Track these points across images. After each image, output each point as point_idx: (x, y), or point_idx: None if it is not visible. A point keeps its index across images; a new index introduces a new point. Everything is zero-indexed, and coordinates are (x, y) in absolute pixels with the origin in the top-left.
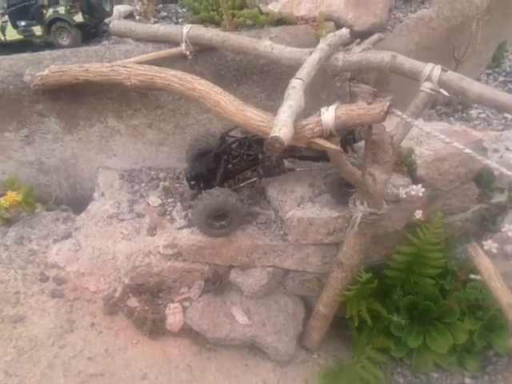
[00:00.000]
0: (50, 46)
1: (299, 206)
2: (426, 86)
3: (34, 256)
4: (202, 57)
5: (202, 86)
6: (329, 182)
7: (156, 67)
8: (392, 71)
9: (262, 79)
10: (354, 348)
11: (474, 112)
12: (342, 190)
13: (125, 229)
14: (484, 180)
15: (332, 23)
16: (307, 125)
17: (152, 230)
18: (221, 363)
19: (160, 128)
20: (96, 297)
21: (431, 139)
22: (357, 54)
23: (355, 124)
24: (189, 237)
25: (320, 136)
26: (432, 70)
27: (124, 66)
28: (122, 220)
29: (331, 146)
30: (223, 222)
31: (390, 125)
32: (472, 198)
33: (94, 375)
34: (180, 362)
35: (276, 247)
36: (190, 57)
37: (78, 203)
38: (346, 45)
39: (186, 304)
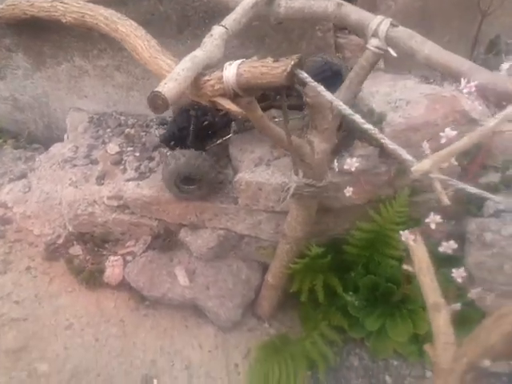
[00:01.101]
0: None
1: (255, 167)
2: (372, 44)
3: None
4: None
5: (124, 28)
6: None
7: (90, 4)
8: (338, 23)
9: None
10: (305, 322)
11: None
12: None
13: (74, 175)
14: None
15: None
16: (209, 81)
17: (100, 179)
18: (158, 322)
19: (128, 71)
20: (39, 241)
21: (410, 105)
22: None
23: (260, 84)
24: (134, 190)
25: (223, 95)
26: (380, 24)
27: (62, 2)
28: (75, 165)
29: (233, 107)
30: (187, 187)
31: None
32: (452, 175)
33: (16, 319)
34: (113, 315)
35: (227, 210)
36: None
37: (54, 143)
38: None
39: (129, 258)
